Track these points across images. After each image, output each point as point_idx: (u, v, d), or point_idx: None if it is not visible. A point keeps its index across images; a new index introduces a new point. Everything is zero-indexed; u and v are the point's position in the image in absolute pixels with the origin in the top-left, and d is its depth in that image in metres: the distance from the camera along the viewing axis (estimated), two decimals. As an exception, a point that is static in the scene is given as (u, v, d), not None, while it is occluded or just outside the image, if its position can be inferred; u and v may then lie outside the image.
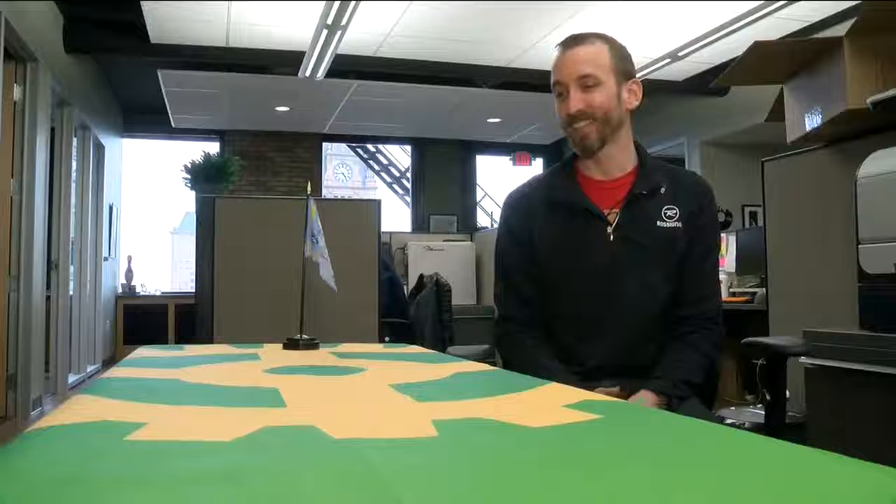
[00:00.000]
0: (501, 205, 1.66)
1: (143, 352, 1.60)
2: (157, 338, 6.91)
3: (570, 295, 1.47)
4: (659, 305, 1.45)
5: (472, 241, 6.24)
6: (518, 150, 8.76)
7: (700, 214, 1.47)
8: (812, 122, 2.18)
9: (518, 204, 1.58)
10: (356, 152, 12.50)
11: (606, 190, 1.48)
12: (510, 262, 1.56)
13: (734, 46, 4.67)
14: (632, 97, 1.47)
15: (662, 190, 1.46)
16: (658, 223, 1.44)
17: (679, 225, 1.44)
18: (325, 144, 8.70)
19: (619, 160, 1.49)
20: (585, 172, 1.52)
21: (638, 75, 1.52)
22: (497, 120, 7.69)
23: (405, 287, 4.95)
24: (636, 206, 1.45)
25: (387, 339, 3.67)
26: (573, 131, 1.45)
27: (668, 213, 1.44)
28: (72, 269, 5.41)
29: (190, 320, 3.88)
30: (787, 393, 1.56)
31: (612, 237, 1.44)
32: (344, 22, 4.36)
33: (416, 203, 8.92)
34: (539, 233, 1.50)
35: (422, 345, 2.61)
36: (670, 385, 1.36)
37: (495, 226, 6.94)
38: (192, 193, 3.82)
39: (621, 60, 1.45)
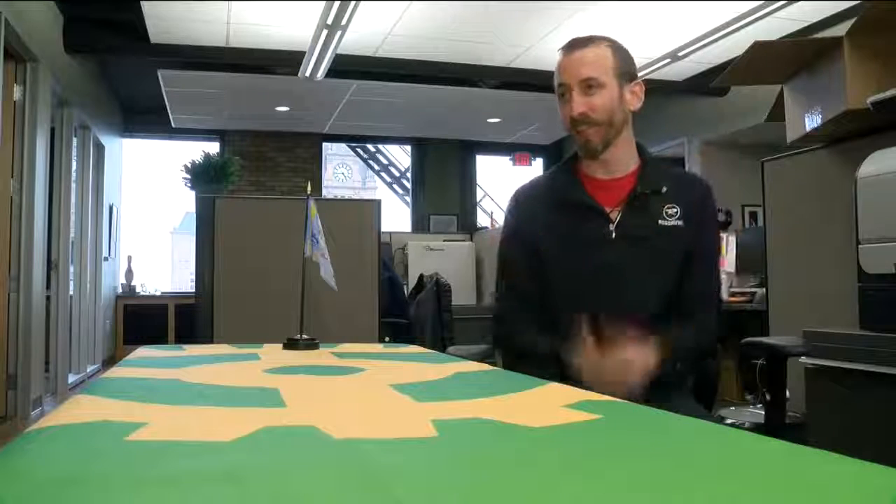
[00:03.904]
0: (507, 203, 1.67)
1: (143, 352, 1.60)
2: (157, 338, 6.90)
3: (572, 291, 1.48)
4: (660, 302, 1.45)
5: (472, 241, 6.22)
6: (518, 150, 8.76)
7: (701, 213, 1.49)
8: (812, 122, 2.18)
9: (523, 203, 1.59)
10: (356, 152, 12.48)
11: (609, 188, 1.49)
12: (513, 261, 1.57)
13: (734, 46, 4.67)
14: (634, 99, 1.48)
15: (664, 189, 1.47)
16: (660, 221, 1.45)
17: (680, 223, 1.45)
18: (325, 144, 8.71)
19: (622, 160, 1.50)
20: (588, 171, 1.53)
21: (638, 75, 1.53)
22: (497, 120, 7.69)
23: (405, 287, 4.95)
24: (638, 204, 1.47)
25: (387, 339, 3.67)
26: (577, 134, 1.47)
27: (670, 211, 1.46)
28: (72, 269, 5.41)
29: (190, 320, 3.88)
30: (787, 393, 1.56)
31: (614, 234, 1.45)
32: (344, 22, 4.37)
33: (416, 203, 8.92)
34: (543, 232, 1.51)
35: (422, 345, 2.61)
36: (672, 355, 1.36)
37: (495, 226, 6.93)
38: (192, 193, 3.82)
39: (624, 63, 1.46)
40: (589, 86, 1.43)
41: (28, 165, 4.15)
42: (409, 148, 9.23)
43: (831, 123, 2.10)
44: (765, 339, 1.59)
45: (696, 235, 1.47)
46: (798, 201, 2.45)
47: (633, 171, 1.51)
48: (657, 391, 1.37)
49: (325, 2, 4.14)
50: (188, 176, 3.84)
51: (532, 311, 1.52)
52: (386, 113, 7.38)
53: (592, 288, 1.46)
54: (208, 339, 3.06)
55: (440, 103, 6.99)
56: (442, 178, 8.80)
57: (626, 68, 1.46)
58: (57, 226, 5.07)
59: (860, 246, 1.77)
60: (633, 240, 1.45)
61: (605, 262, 1.45)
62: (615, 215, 1.46)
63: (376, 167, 12.08)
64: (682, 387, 1.48)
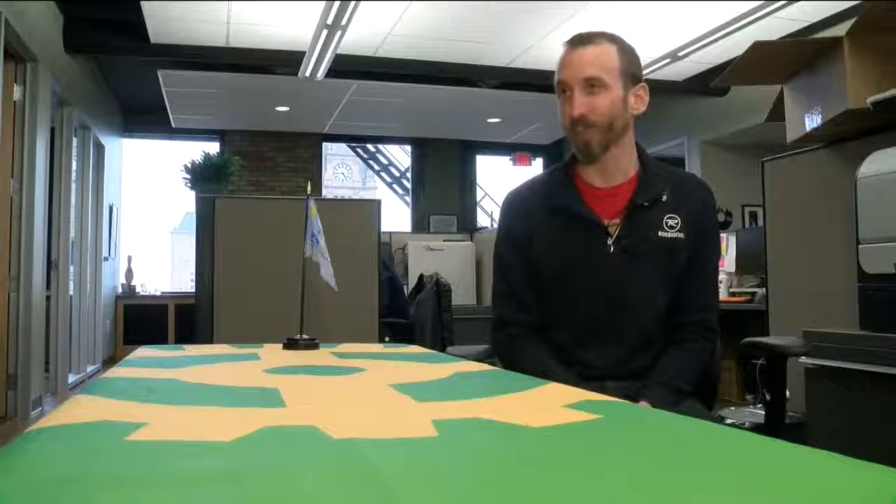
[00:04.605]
0: (500, 206, 1.64)
1: (143, 352, 1.60)
2: (157, 338, 6.90)
3: (569, 303, 1.46)
4: (658, 314, 1.43)
5: (472, 241, 6.22)
6: (518, 150, 8.76)
7: (701, 222, 1.45)
8: (812, 122, 2.18)
9: (517, 206, 1.55)
10: (356, 152, 12.48)
11: (607, 198, 1.45)
12: (509, 266, 1.53)
13: (734, 46, 4.67)
14: (638, 102, 1.43)
15: (664, 198, 1.43)
16: (659, 233, 1.41)
17: (680, 235, 1.42)
18: (325, 144, 8.71)
19: (621, 165, 1.46)
20: (585, 178, 1.48)
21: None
22: (497, 120, 7.69)
23: (405, 287, 4.95)
24: (637, 216, 1.42)
25: (387, 339, 3.67)
26: (575, 135, 1.41)
27: (670, 222, 1.42)
28: (72, 269, 5.41)
29: (190, 320, 3.88)
30: (787, 393, 1.56)
31: (612, 248, 1.41)
32: (344, 22, 4.37)
33: (416, 203, 8.92)
34: (538, 237, 1.48)
35: (422, 345, 2.61)
36: (670, 394, 1.36)
37: (495, 226, 6.92)
38: (192, 193, 3.82)
39: (630, 64, 1.41)
40: (591, 86, 1.37)
41: (28, 165, 4.15)
42: (409, 148, 9.23)
43: (831, 123, 2.10)
44: (765, 339, 1.59)
45: (696, 246, 1.43)
46: (798, 201, 2.45)
47: (632, 177, 1.46)
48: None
49: (325, 2, 4.14)
50: (188, 176, 3.84)
51: (529, 313, 1.50)
52: (386, 113, 7.38)
53: (590, 302, 1.43)
54: (208, 339, 3.07)
55: (440, 103, 6.99)
56: (442, 178, 8.80)
57: (631, 69, 1.41)
58: (57, 226, 5.07)
59: (860, 246, 1.77)
60: (633, 254, 1.41)
61: (603, 276, 1.42)
62: (613, 228, 1.42)
63: (376, 167, 12.08)
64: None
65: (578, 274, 1.44)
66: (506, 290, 1.54)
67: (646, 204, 1.43)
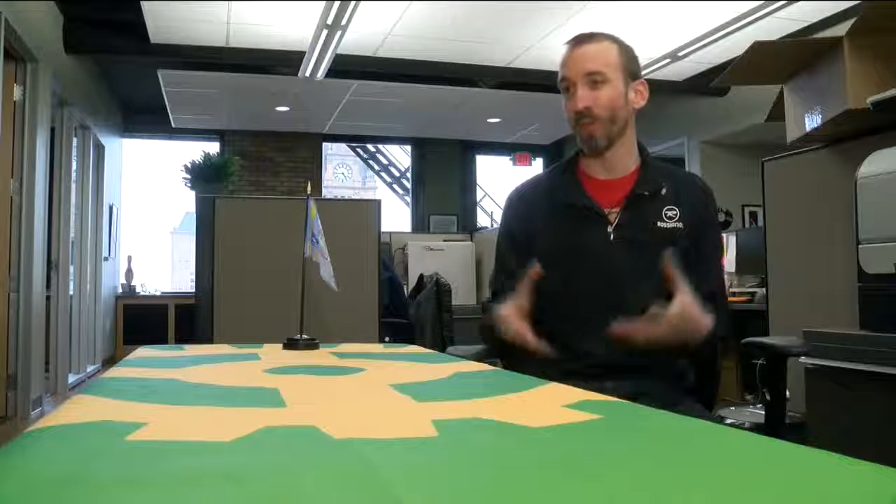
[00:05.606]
0: (503, 203, 1.66)
1: (143, 352, 1.60)
2: (157, 338, 6.90)
3: (569, 294, 1.47)
4: (658, 305, 1.44)
5: (472, 241, 6.22)
6: (518, 150, 8.76)
7: (701, 216, 1.47)
8: (812, 122, 2.18)
9: (519, 205, 1.58)
10: (356, 152, 12.49)
11: (608, 189, 1.48)
12: (509, 265, 1.55)
13: (734, 46, 4.67)
14: (638, 97, 1.47)
15: (663, 191, 1.46)
16: (658, 223, 1.44)
17: (679, 225, 1.44)
18: (325, 144, 8.71)
19: (623, 160, 1.49)
20: (588, 172, 1.52)
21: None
22: (497, 120, 7.69)
23: (405, 287, 4.95)
24: (637, 206, 1.45)
25: (387, 339, 3.67)
26: (580, 128, 1.45)
27: (669, 213, 1.45)
28: (72, 269, 5.41)
29: (190, 320, 3.88)
30: (787, 393, 1.56)
31: (612, 237, 1.44)
32: (344, 22, 4.37)
33: (416, 203, 8.93)
34: (539, 235, 1.50)
35: (422, 345, 2.61)
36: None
37: (495, 226, 6.93)
38: (192, 193, 3.82)
39: (629, 60, 1.45)
40: (594, 80, 1.41)
41: (28, 165, 4.15)
42: (409, 148, 9.23)
43: (831, 123, 2.10)
44: (765, 339, 1.59)
45: (697, 238, 1.45)
46: (798, 201, 2.45)
47: (633, 171, 1.50)
48: (657, 389, 1.38)
49: (325, 2, 4.14)
50: (188, 176, 3.85)
51: (528, 312, 1.51)
52: (386, 113, 7.38)
53: (590, 290, 1.44)
54: (208, 339, 3.06)
55: (440, 103, 6.99)
56: (442, 178, 8.80)
57: (630, 66, 1.45)
58: (57, 226, 5.07)
59: (860, 246, 1.77)
60: (632, 242, 1.44)
61: (603, 264, 1.44)
62: (614, 217, 1.45)
63: (376, 167, 12.09)
64: (681, 386, 1.48)
65: (579, 263, 1.46)
66: (502, 285, 1.56)
67: (646, 193, 1.46)
